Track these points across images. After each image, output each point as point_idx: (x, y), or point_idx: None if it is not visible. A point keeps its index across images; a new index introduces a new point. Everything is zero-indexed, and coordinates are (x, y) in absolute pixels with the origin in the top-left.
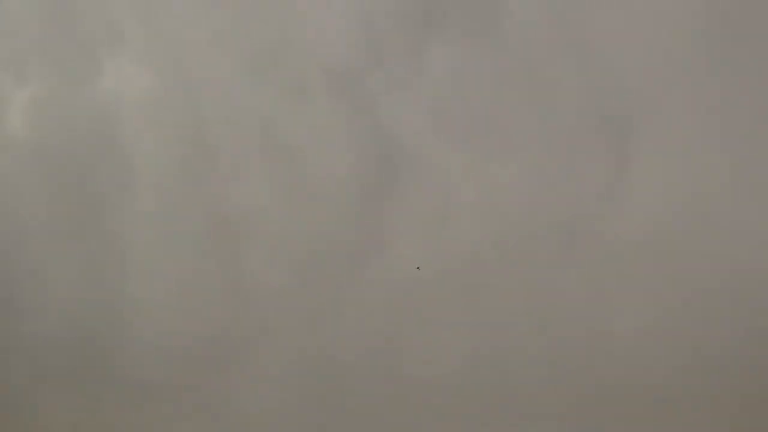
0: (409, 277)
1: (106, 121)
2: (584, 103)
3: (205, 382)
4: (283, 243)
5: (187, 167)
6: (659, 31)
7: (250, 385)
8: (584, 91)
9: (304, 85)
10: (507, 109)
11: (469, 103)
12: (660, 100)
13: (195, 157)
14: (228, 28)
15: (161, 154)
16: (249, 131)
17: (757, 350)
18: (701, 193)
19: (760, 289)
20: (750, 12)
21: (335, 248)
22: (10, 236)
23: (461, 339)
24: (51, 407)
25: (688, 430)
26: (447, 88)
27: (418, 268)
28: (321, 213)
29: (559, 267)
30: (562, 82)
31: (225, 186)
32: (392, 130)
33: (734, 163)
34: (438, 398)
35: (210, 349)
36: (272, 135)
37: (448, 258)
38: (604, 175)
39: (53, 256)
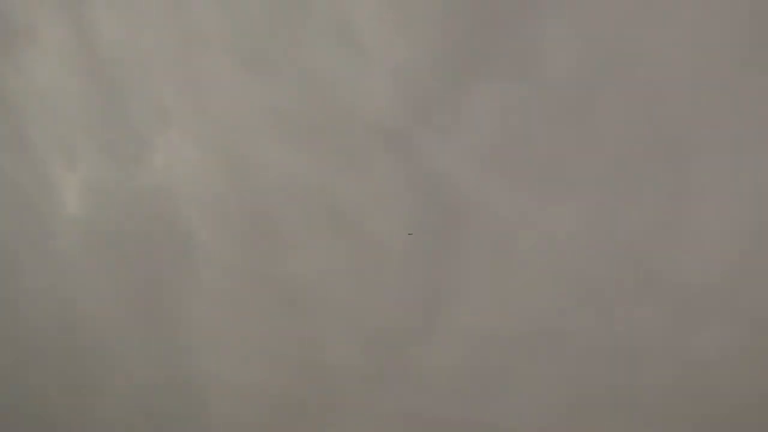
0: (483, 331)
1: (161, 199)
2: (635, 131)
3: None
4: (351, 309)
5: (245, 240)
6: (705, 51)
7: None
8: (633, 120)
9: (352, 147)
10: (557, 146)
11: (518, 145)
12: (713, 120)
13: (253, 229)
14: (272, 99)
15: (218, 227)
16: (303, 199)
17: None
18: None
19: None
20: None
21: (404, 309)
22: (73, 322)
23: (542, 390)
24: None
25: None
26: (496, 132)
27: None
28: (386, 275)
29: (635, 306)
30: (609, 113)
31: (286, 256)
32: (448, 181)
33: None
34: None
35: (284, 421)
36: (327, 201)
37: (520, 308)
38: (665, 203)
39: (119, 339)
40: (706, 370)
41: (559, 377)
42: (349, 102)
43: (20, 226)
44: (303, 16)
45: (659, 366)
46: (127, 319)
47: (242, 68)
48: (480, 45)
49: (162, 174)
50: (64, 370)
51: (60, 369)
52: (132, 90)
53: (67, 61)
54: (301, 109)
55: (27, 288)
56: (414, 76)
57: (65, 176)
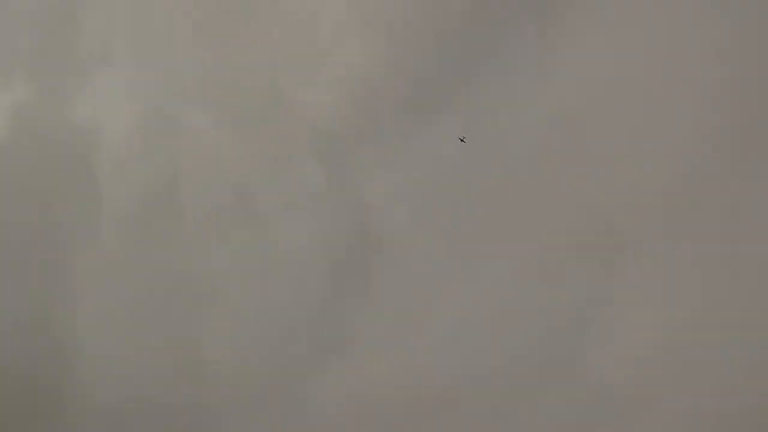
0: (374, 384)
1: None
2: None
3: None
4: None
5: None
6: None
7: None
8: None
9: (288, 145)
10: (488, 201)
11: (451, 191)
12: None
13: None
14: (216, 72)
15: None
16: (222, 191)
17: None
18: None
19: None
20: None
21: (297, 326)
22: None
23: None
24: None
25: None
26: (430, 173)
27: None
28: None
29: (540, 394)
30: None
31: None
32: (371, 208)
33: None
34: None
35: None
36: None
37: (420, 371)
38: (588, 294)
39: None
40: None
41: None
42: (297, 99)
43: None
44: None
45: None
46: None
47: None
48: (427, 89)
49: None
50: None
51: None
52: None
53: None
54: (246, 92)
55: None
56: (365, 98)
57: None
